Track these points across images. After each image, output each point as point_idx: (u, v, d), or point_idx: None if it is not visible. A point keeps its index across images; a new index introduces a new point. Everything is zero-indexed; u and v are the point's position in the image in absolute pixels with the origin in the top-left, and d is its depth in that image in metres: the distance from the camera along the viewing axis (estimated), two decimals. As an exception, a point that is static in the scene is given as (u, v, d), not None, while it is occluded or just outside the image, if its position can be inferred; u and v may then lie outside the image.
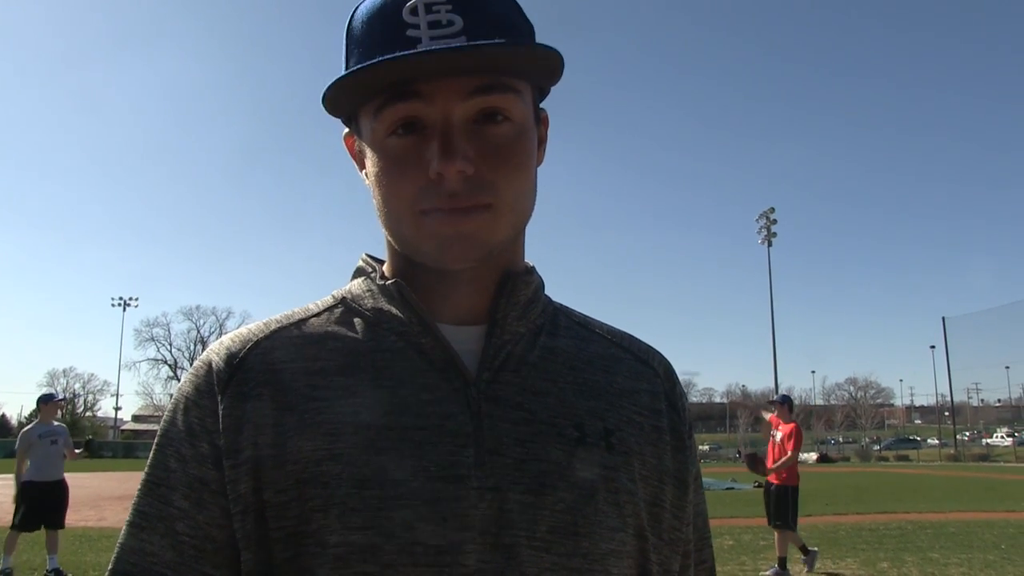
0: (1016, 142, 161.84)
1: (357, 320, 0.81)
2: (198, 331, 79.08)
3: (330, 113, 0.78)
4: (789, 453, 8.10)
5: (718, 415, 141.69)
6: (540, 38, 0.78)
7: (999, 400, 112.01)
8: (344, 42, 0.79)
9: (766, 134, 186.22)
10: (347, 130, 0.84)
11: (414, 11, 0.73)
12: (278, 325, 0.82)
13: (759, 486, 26.00)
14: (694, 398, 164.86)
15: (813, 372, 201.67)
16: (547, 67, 0.76)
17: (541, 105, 0.84)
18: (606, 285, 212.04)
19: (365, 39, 0.76)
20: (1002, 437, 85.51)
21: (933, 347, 78.41)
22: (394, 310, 0.80)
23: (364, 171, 0.81)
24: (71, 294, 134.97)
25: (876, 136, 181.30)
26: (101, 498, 18.44)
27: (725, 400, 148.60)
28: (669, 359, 0.92)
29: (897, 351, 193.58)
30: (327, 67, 0.82)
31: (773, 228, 65.45)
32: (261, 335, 0.81)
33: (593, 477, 0.76)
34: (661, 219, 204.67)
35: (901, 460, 60.34)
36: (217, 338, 0.88)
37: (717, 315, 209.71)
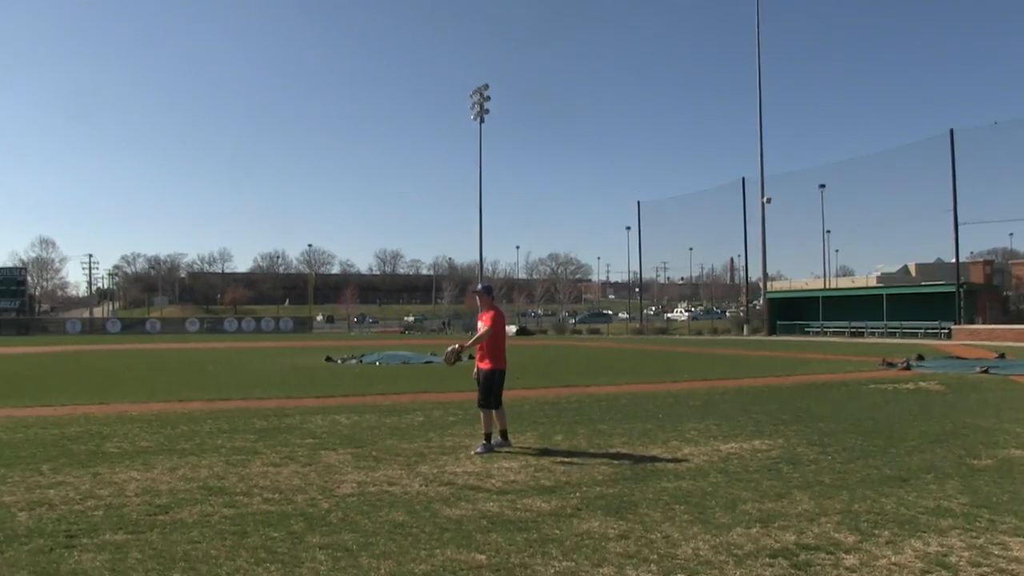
0: (721, 42, 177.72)
1: None
2: None
3: None
4: (482, 331, 8.98)
5: (424, 287, 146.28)
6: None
7: (682, 278, 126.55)
8: None
9: (485, 14, 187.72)
10: None
11: None
12: None
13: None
14: (400, 270, 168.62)
15: (518, 247, 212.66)
16: None
17: None
18: (316, 153, 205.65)
19: None
20: (680, 312, 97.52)
21: (628, 228, 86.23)
22: None
23: None
24: None
25: (588, 24, 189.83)
26: None
27: (432, 272, 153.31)
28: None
29: (597, 231, 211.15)
30: None
31: (486, 105, 67.45)
32: None
33: None
34: (367, 85, 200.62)
35: (593, 333, 66.76)
36: None
37: (426, 188, 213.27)
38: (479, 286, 9.60)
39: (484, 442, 9.03)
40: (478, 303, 9.46)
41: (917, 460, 8.26)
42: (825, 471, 7.72)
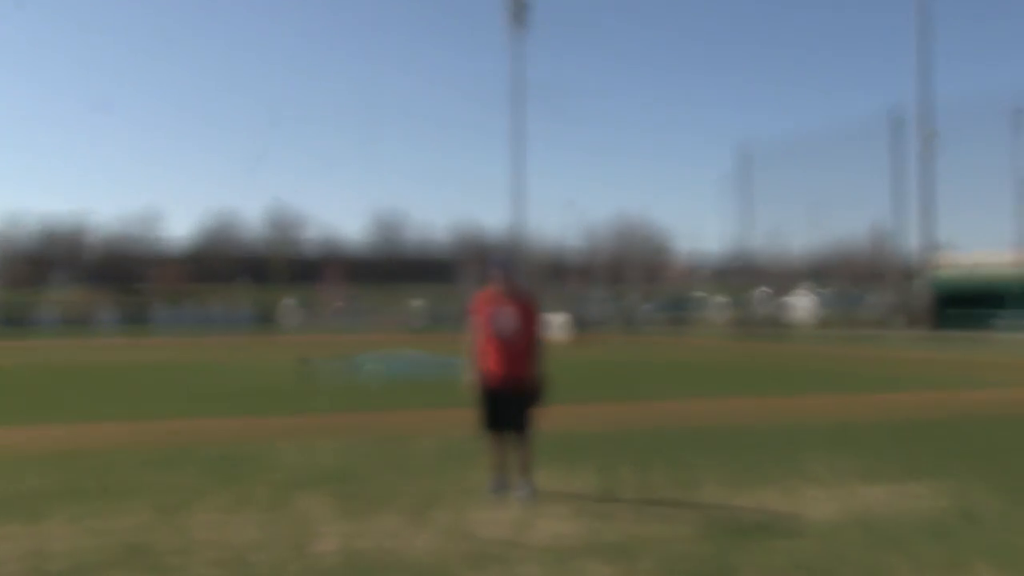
0: None
1: None
2: None
3: None
4: (536, 338, 8.94)
5: (439, 264, 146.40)
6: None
7: (802, 251, 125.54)
8: None
9: None
10: None
11: None
12: None
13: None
14: (407, 239, 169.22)
15: (570, 204, 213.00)
16: None
17: None
18: (284, 79, 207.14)
19: None
20: (801, 298, 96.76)
21: (725, 181, 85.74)
22: None
23: None
24: None
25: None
26: None
27: (451, 244, 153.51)
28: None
29: (680, 187, 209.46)
30: None
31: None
32: None
33: None
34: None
35: (676, 327, 66.61)
36: None
37: (443, 128, 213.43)
38: (498, 259, 9.31)
39: (525, 478, 8.89)
40: (494, 282, 9.04)
41: None
42: (1019, 532, 7.60)
